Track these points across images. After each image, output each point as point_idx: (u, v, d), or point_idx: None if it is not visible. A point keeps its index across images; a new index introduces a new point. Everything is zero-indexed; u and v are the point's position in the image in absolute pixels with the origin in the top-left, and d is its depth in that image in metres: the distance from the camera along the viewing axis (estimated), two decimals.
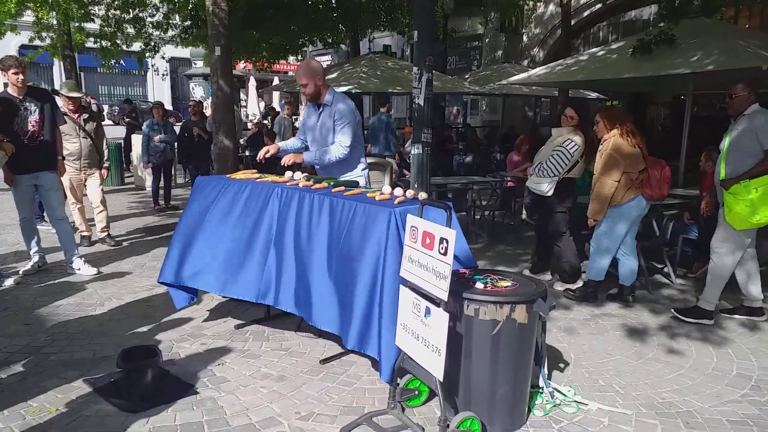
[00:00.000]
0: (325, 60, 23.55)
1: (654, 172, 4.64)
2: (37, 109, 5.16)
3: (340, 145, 4.18)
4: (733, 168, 4.33)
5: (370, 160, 5.60)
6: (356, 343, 3.17)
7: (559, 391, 3.30)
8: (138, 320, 4.33)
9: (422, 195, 3.44)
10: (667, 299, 5.07)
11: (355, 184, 3.93)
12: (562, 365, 3.73)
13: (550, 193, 5.09)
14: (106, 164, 6.65)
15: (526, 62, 16.97)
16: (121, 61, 13.97)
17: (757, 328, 4.44)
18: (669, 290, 5.32)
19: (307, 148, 4.46)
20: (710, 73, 6.51)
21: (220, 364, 3.64)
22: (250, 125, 18.05)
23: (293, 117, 12.35)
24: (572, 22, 14.25)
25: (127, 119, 14.02)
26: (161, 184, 8.94)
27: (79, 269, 5.42)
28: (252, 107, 25.49)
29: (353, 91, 10.35)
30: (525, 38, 17.83)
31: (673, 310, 4.61)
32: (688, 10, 9.60)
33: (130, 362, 3.20)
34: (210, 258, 3.99)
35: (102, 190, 6.63)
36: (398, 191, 3.48)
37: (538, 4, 16.39)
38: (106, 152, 6.64)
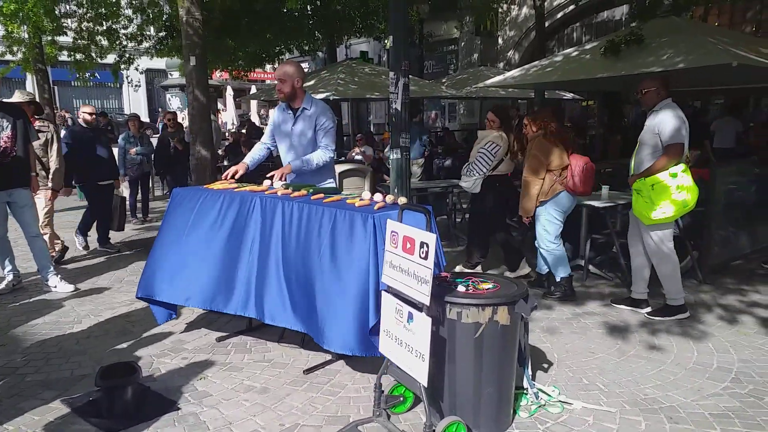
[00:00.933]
0: (302, 67, 23.49)
1: (578, 169, 4.83)
2: (9, 125, 5.06)
3: (326, 149, 4.17)
4: (638, 164, 4.46)
5: (349, 166, 5.60)
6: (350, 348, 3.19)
7: (543, 392, 3.31)
8: (117, 337, 4.26)
9: (402, 200, 3.44)
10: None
11: (334, 191, 3.92)
12: (545, 365, 3.74)
13: (477, 190, 5.47)
14: (49, 184, 6.06)
15: (501, 65, 17.09)
16: (96, 74, 13.77)
17: (736, 321, 4.49)
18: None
19: (271, 153, 4.47)
20: (682, 71, 6.59)
21: (202, 378, 3.59)
22: (227, 135, 17.94)
23: None
24: (546, 24, 14.40)
25: None
26: (138, 197, 8.83)
27: (55, 287, 5.32)
28: (230, 117, 25.35)
29: (331, 97, 10.33)
30: (500, 41, 17.98)
31: (646, 314, 4.64)
32: (658, 9, 9.76)
33: (109, 380, 3.14)
34: (190, 271, 3.90)
35: (46, 213, 6.06)
36: (378, 197, 3.47)
37: (513, 7, 16.54)
38: (53, 168, 6.07)
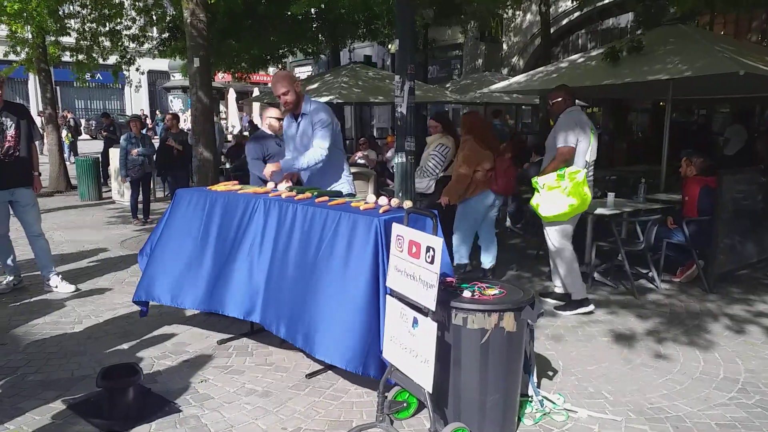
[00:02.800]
0: (305, 70, 23.52)
1: (500, 171, 5.25)
2: (14, 124, 5.05)
3: (318, 147, 4.09)
4: (544, 166, 4.79)
5: (353, 169, 5.57)
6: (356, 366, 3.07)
7: (548, 399, 3.27)
8: (118, 338, 4.22)
9: (407, 203, 3.41)
10: (652, 304, 5.08)
11: (338, 194, 3.89)
12: (550, 373, 3.70)
13: (431, 191, 5.85)
14: None
15: (506, 71, 17.08)
16: (98, 75, 13.76)
17: (742, 330, 4.45)
18: (654, 295, 5.33)
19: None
20: (688, 79, 6.58)
21: (204, 380, 3.55)
22: (230, 137, 17.96)
23: None
24: (551, 31, 14.39)
25: (105, 133, 13.84)
26: (140, 198, 8.80)
27: (56, 287, 5.29)
28: (232, 119, 25.37)
29: (335, 101, 10.31)
30: (505, 47, 17.97)
31: (554, 308, 4.85)
32: (663, 17, 9.74)
33: (110, 381, 3.10)
34: (193, 273, 3.89)
35: None
36: (383, 200, 3.44)
37: (518, 13, 16.53)
38: None
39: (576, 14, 15.58)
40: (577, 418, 3.14)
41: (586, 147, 4.65)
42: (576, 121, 4.64)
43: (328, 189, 4.13)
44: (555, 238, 4.71)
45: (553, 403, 3.25)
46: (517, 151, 9.24)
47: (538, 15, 13.95)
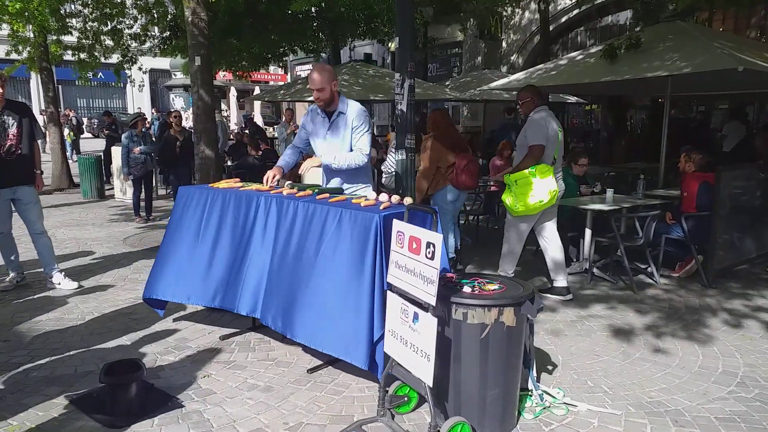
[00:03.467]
0: (306, 68, 23.52)
1: (461, 166, 5.36)
2: (15, 123, 5.08)
3: (360, 152, 4.01)
4: (515, 163, 5.01)
5: None
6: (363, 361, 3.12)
7: (548, 394, 3.30)
8: (120, 334, 4.25)
9: (407, 200, 3.43)
10: (651, 299, 5.11)
11: (339, 191, 3.91)
12: (550, 367, 3.73)
13: (393, 186, 5.91)
14: None
15: (505, 68, 17.08)
16: (100, 74, 13.79)
17: (741, 325, 4.48)
18: (653, 290, 5.36)
19: (304, 157, 4.34)
20: (687, 75, 6.58)
21: (206, 376, 3.58)
22: (231, 135, 17.97)
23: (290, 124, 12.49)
24: (550, 28, 14.39)
25: (107, 131, 13.87)
26: (142, 195, 8.83)
27: (59, 284, 5.33)
28: (233, 117, 25.37)
29: None
30: (504, 44, 17.97)
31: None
32: (661, 13, 9.73)
33: (113, 376, 3.13)
34: (196, 270, 3.94)
35: None
36: (383, 197, 3.47)
37: (516, 11, 16.52)
38: None
39: (575, 12, 15.57)
40: (576, 412, 3.17)
41: (554, 145, 4.82)
42: (545, 120, 4.81)
43: (352, 192, 4.08)
44: (515, 229, 5.01)
45: (553, 397, 3.28)
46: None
47: (537, 13, 13.95)
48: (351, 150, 4.05)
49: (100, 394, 3.21)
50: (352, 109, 4.03)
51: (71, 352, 3.92)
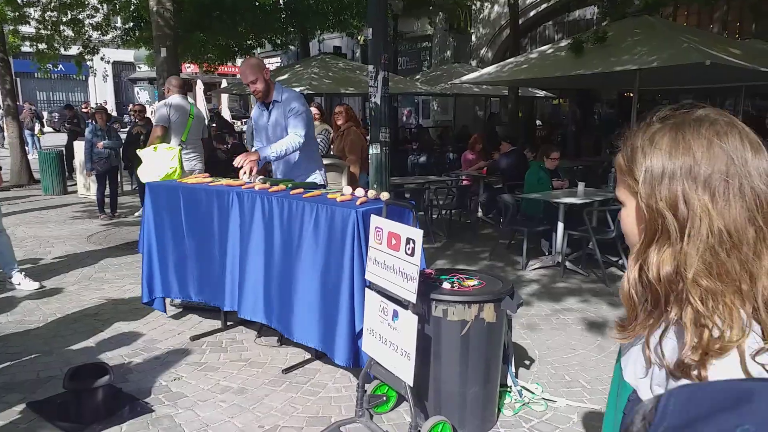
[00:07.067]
0: (274, 62, 23.21)
1: (365, 156, 5.80)
2: None
3: (294, 134, 3.95)
4: None
5: (326, 161, 5.50)
6: (345, 359, 3.08)
7: (527, 389, 3.28)
8: (85, 336, 4.09)
9: (384, 195, 3.36)
10: None
11: (314, 186, 3.82)
12: (527, 362, 3.72)
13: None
14: None
15: (474, 62, 17.12)
16: (60, 66, 13.34)
17: None
18: None
19: None
20: (655, 69, 6.66)
21: (176, 378, 3.46)
22: None
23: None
24: (519, 22, 14.45)
25: (68, 125, 13.44)
26: (107, 192, 8.56)
27: (19, 284, 5.11)
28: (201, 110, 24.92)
29: (305, 92, 10.19)
30: (473, 38, 18.00)
31: None
32: (627, 8, 9.84)
33: (78, 381, 3.00)
34: (175, 270, 3.99)
35: None
36: (359, 192, 3.39)
37: (485, 4, 16.57)
38: None
39: (543, 6, 15.69)
40: (555, 407, 3.16)
41: (181, 129, 5.61)
42: (178, 105, 5.55)
43: (303, 180, 4.05)
44: None
45: (532, 392, 3.26)
46: (487, 141, 9.30)
47: (506, 6, 13.98)
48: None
49: (64, 400, 3.07)
50: (287, 96, 4.04)
51: (33, 356, 3.75)
